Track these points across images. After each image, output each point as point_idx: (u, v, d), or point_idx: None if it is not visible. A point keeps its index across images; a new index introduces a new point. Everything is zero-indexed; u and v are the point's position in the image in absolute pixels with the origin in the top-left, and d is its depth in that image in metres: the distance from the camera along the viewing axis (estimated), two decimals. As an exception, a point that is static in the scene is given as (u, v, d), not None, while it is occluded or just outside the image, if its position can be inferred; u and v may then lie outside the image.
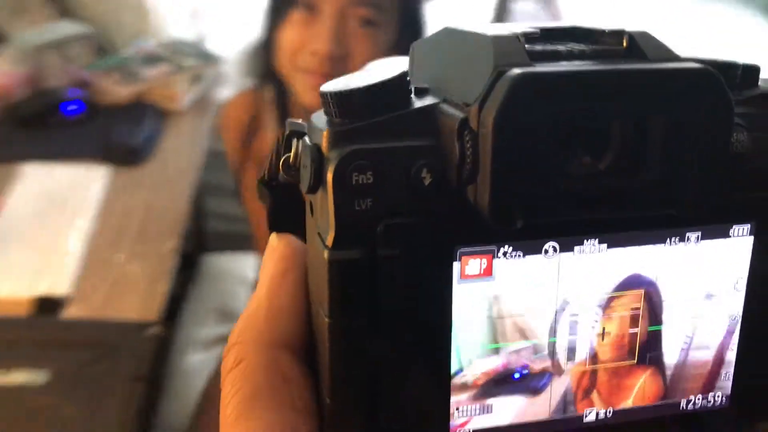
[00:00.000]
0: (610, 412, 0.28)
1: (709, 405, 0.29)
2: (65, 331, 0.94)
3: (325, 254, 0.24)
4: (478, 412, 0.26)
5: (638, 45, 0.25)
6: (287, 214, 0.30)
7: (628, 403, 0.28)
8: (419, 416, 0.26)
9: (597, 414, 0.28)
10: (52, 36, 1.55)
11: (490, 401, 0.27)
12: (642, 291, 0.27)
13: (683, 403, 0.28)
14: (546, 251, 0.25)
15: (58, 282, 1.02)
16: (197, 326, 1.45)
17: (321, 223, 0.25)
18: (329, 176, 0.23)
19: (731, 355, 0.28)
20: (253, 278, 1.38)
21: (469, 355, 0.26)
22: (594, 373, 0.27)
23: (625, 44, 0.25)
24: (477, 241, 0.25)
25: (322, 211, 0.24)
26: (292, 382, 0.26)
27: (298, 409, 0.25)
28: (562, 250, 0.26)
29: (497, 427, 0.27)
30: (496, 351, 0.26)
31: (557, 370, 0.27)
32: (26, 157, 1.30)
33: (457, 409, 0.26)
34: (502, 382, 0.27)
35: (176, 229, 1.17)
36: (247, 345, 0.26)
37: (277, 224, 0.30)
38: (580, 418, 0.27)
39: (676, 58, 0.25)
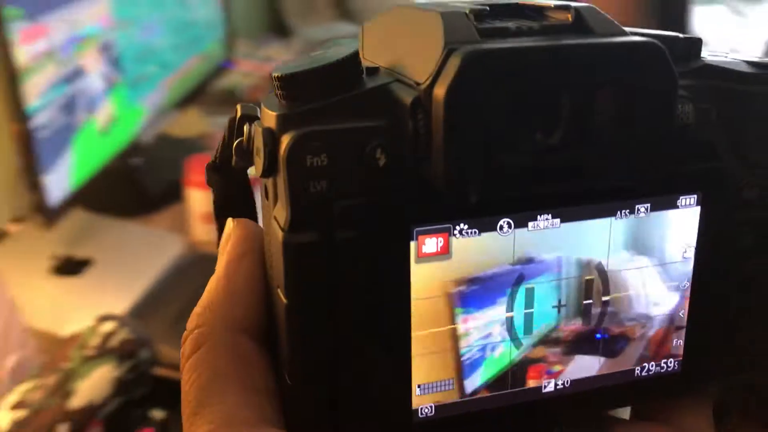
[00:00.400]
0: (567, 383, 0.28)
1: (662, 371, 0.29)
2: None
3: (281, 237, 0.24)
4: (439, 388, 0.27)
5: (585, 19, 0.25)
6: (236, 200, 0.30)
7: (585, 372, 0.28)
8: (380, 396, 0.26)
9: (555, 384, 0.28)
10: (330, 34, 1.75)
11: (571, 357, 0.28)
12: (594, 263, 0.27)
13: (637, 369, 0.29)
14: (501, 227, 0.26)
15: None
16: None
17: (276, 206, 0.25)
18: (282, 159, 0.23)
19: (681, 322, 0.29)
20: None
21: (566, 312, 0.27)
22: (552, 344, 0.28)
23: (571, 19, 0.25)
24: (433, 220, 0.25)
25: (277, 194, 0.24)
26: (251, 365, 0.26)
27: (258, 391, 0.25)
28: (516, 226, 0.26)
29: (457, 402, 0.27)
30: (585, 312, 0.28)
31: (516, 343, 0.27)
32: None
33: (419, 386, 0.26)
34: (588, 341, 0.28)
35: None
36: (206, 329, 0.26)
37: (225, 210, 0.30)
38: (539, 389, 0.28)
39: (622, 32, 0.25)
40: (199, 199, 1.15)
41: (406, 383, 0.26)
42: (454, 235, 0.25)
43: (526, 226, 0.26)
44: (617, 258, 0.28)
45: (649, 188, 0.27)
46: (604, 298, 0.28)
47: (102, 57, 1.13)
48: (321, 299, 0.24)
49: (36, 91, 0.97)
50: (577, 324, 0.28)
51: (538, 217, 0.26)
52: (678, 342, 0.29)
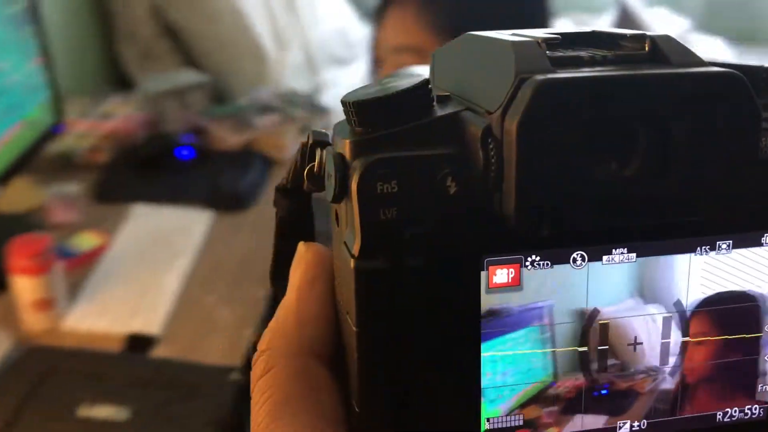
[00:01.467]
0: (644, 424, 0.27)
1: (746, 417, 0.28)
2: (150, 370, 0.96)
3: (352, 263, 0.24)
4: (509, 423, 0.26)
5: (661, 49, 0.25)
6: (299, 224, 0.30)
7: (663, 415, 0.27)
8: (449, 427, 0.25)
9: (631, 426, 0.27)
10: (174, 83, 1.64)
11: (571, 416, 0.26)
12: (673, 300, 0.26)
13: (719, 414, 0.28)
14: (574, 260, 0.25)
15: (150, 320, 1.06)
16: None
17: (347, 232, 0.25)
18: (354, 185, 0.23)
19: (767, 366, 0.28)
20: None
21: (564, 367, 0.26)
22: (627, 383, 0.27)
23: (647, 48, 0.25)
24: (504, 250, 0.24)
25: (348, 220, 0.24)
26: (321, 390, 0.26)
27: (326, 417, 0.25)
28: (590, 259, 0.25)
29: None
30: (586, 365, 0.26)
31: (590, 380, 0.26)
32: (138, 198, 1.37)
33: (488, 420, 0.26)
34: (590, 398, 0.26)
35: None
36: (277, 352, 0.26)
37: (287, 233, 0.30)
38: (614, 429, 0.27)
39: (701, 63, 0.24)
40: (28, 287, 1.01)
41: (474, 416, 0.26)
42: (526, 266, 0.25)
43: (601, 259, 0.25)
44: (698, 296, 0.26)
45: (730, 224, 0.26)
46: (683, 339, 0.27)
47: None
48: (391, 327, 0.24)
49: None
50: (653, 363, 0.27)
51: (613, 251, 0.25)
52: (765, 388, 0.28)
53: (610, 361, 0.26)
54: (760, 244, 0.26)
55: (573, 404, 0.26)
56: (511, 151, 0.23)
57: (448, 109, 0.25)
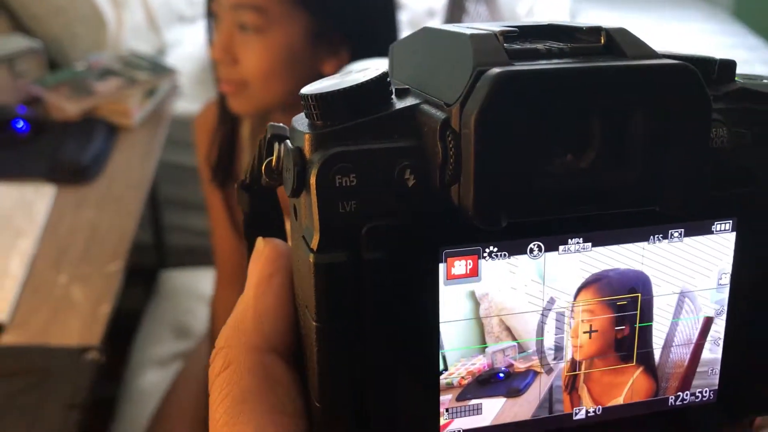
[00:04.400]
0: (599, 410, 0.28)
1: (697, 400, 0.29)
2: (-3, 359, 0.91)
3: (311, 257, 0.24)
4: (465, 412, 0.27)
5: (616, 42, 0.25)
6: (265, 219, 0.30)
7: (617, 400, 0.28)
8: (409, 418, 0.26)
9: (587, 412, 0.28)
10: (1, 51, 1.52)
11: (475, 402, 0.27)
12: (627, 288, 0.27)
13: (671, 399, 0.29)
14: (531, 250, 0.26)
15: (-4, 307, 1.00)
16: (154, 344, 1.43)
17: (305, 226, 0.25)
18: (312, 179, 0.23)
19: (717, 351, 0.29)
20: (209, 294, 1.36)
21: (455, 355, 0.26)
22: (582, 371, 0.27)
23: (602, 41, 0.25)
24: (462, 242, 0.25)
25: (306, 214, 0.24)
26: (280, 386, 0.26)
27: (287, 413, 0.25)
28: (546, 249, 0.26)
29: (484, 428, 0.27)
30: (482, 351, 0.26)
31: (545, 368, 0.27)
32: (-29, 177, 1.27)
33: (447, 410, 0.26)
34: (486, 382, 0.27)
35: (123, 249, 1.15)
36: (235, 349, 0.26)
37: (254, 229, 0.30)
38: (570, 416, 0.28)
39: (654, 55, 0.25)
40: None
41: (434, 405, 0.26)
42: (484, 257, 0.25)
43: (557, 249, 0.26)
44: (649, 284, 0.27)
45: (682, 213, 0.26)
46: (637, 325, 0.27)
47: None
48: (349, 320, 0.24)
49: None
50: (608, 350, 0.27)
51: (569, 240, 0.26)
52: (713, 371, 0.29)
53: (508, 345, 0.26)
54: (711, 232, 0.27)
55: (468, 390, 0.26)
56: (469, 144, 0.23)
57: (407, 102, 0.25)
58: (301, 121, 0.25)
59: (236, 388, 0.25)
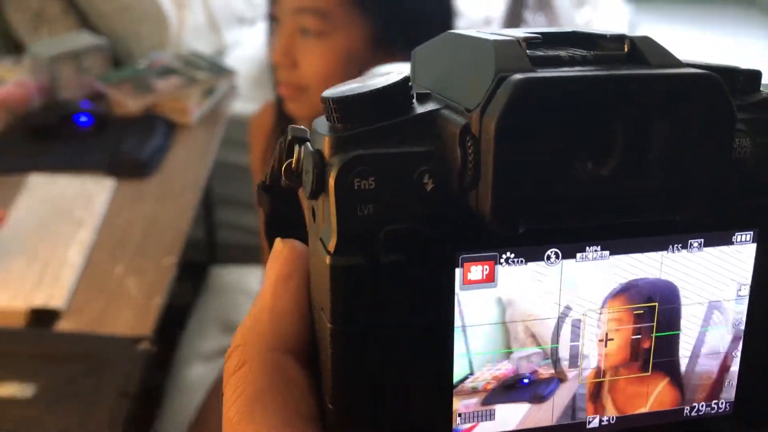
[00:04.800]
0: (613, 419, 0.28)
1: (713, 411, 0.28)
2: (55, 345, 0.94)
3: (327, 260, 0.24)
4: (482, 418, 0.26)
5: (640, 50, 0.25)
6: (285, 220, 0.30)
7: (642, 410, 0.28)
8: (422, 422, 0.26)
9: (600, 420, 0.28)
10: (68, 47, 1.57)
11: (496, 407, 0.26)
12: (645, 298, 0.27)
13: (687, 409, 0.28)
14: (548, 257, 0.26)
15: (54, 294, 1.03)
16: (201, 338, 1.46)
17: (323, 228, 0.25)
18: (331, 182, 0.23)
19: (735, 362, 0.28)
20: (257, 291, 1.38)
21: (481, 359, 0.26)
22: (600, 379, 0.27)
23: (626, 49, 0.25)
24: (479, 247, 0.25)
25: (324, 216, 0.24)
26: (294, 386, 0.26)
27: (300, 413, 0.25)
28: (564, 256, 0.26)
29: None
30: (508, 356, 0.26)
31: (569, 376, 0.27)
32: (35, 168, 1.32)
33: (460, 415, 0.26)
34: (511, 388, 0.26)
35: (177, 244, 1.18)
36: (250, 348, 0.26)
37: (274, 230, 0.30)
38: (583, 424, 0.27)
39: (678, 64, 0.25)
40: None
41: (447, 410, 0.26)
42: (500, 263, 0.25)
43: (574, 257, 0.26)
44: (667, 294, 0.27)
45: (702, 223, 0.26)
46: (654, 335, 0.27)
47: None
48: (365, 323, 0.24)
49: None
50: (624, 359, 0.27)
51: (587, 248, 0.26)
52: (731, 383, 0.28)
53: (533, 351, 0.26)
54: (731, 243, 0.27)
55: (493, 395, 0.26)
56: (488, 150, 0.23)
57: (428, 107, 0.25)
58: (321, 124, 0.25)
59: (250, 387, 0.25)
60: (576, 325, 0.26)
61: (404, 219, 0.24)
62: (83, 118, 1.43)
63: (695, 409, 0.28)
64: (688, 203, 0.25)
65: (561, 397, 0.27)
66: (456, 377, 0.26)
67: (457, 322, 0.25)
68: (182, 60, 1.65)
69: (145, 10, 1.86)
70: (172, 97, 1.52)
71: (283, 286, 0.27)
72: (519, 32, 0.25)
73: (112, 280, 1.08)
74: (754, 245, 0.27)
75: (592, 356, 0.27)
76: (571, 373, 0.27)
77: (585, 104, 0.23)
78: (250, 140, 1.28)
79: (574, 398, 0.27)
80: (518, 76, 0.23)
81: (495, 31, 0.26)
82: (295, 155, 0.27)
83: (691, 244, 0.27)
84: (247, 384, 0.26)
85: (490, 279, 0.25)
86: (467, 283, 0.25)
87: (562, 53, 0.25)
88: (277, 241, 0.28)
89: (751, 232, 0.27)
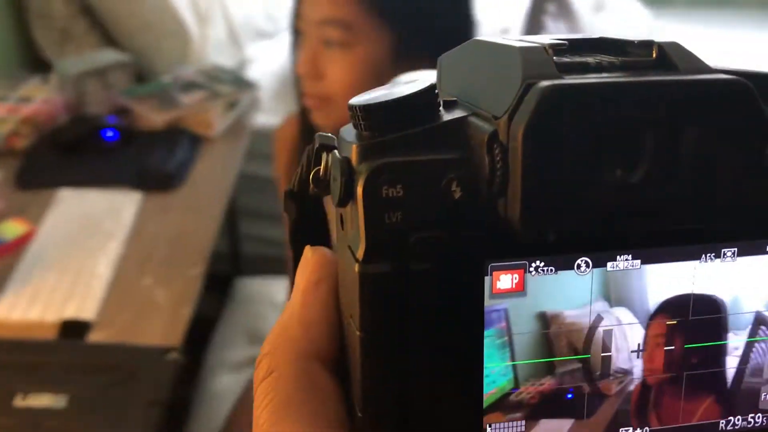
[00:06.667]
0: (647, 431, 0.27)
1: (749, 426, 0.28)
2: (86, 356, 0.96)
3: (356, 267, 0.24)
4: (510, 429, 0.26)
5: (668, 56, 0.25)
6: (311, 228, 0.30)
7: (669, 421, 0.27)
8: (451, 431, 0.26)
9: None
10: (93, 64, 1.60)
11: (543, 422, 0.26)
12: (679, 309, 0.26)
13: (722, 423, 0.28)
14: (578, 266, 0.25)
15: (85, 306, 1.04)
16: (228, 349, 1.47)
17: (351, 236, 0.25)
18: (359, 189, 0.23)
19: None
20: (283, 301, 1.39)
21: (525, 374, 0.26)
22: (652, 395, 0.27)
23: (654, 55, 0.25)
24: (508, 256, 0.24)
25: (353, 224, 0.24)
26: (323, 394, 0.26)
27: (330, 421, 0.25)
28: (594, 265, 0.25)
29: None
30: (551, 371, 0.26)
31: (615, 391, 0.26)
32: (63, 183, 1.34)
33: (490, 425, 0.26)
34: (554, 403, 0.26)
35: (204, 254, 1.19)
36: (280, 355, 0.26)
37: (299, 237, 0.30)
38: None
39: (708, 69, 0.24)
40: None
41: (477, 420, 0.26)
42: (530, 272, 0.25)
43: (605, 266, 0.25)
44: (702, 306, 0.26)
45: (735, 232, 0.26)
46: (687, 346, 0.27)
47: None
48: (394, 331, 0.24)
49: None
50: (658, 371, 0.27)
51: (618, 257, 0.25)
52: (766, 397, 0.28)
53: (576, 365, 0.26)
54: (765, 252, 0.26)
55: (537, 410, 0.26)
56: (516, 157, 0.23)
57: (455, 114, 0.25)
58: (348, 132, 0.25)
59: (280, 394, 0.25)
60: (607, 337, 0.26)
61: (432, 226, 0.24)
62: (110, 133, 1.46)
63: (731, 423, 0.28)
64: (718, 211, 0.24)
65: (605, 412, 0.27)
66: (501, 391, 0.26)
67: (502, 334, 0.25)
68: (205, 74, 1.68)
69: (168, 26, 1.89)
70: (195, 111, 1.54)
71: (313, 294, 0.27)
72: (545, 39, 0.25)
73: (141, 291, 1.10)
74: None
75: (636, 371, 0.26)
76: (621, 389, 0.26)
77: (613, 111, 0.23)
78: (274, 152, 1.29)
79: (617, 414, 0.27)
80: (546, 82, 0.22)
81: (520, 37, 0.26)
82: (323, 163, 0.27)
83: (724, 254, 0.26)
84: (276, 391, 0.26)
85: (519, 288, 0.25)
86: (496, 292, 0.25)
87: (590, 59, 0.25)
88: (307, 248, 0.28)
89: None
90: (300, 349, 0.26)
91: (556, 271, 0.25)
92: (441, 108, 0.25)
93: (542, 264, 0.25)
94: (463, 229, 0.24)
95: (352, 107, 0.24)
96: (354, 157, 0.24)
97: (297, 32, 1.09)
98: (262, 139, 1.60)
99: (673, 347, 0.27)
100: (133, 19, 1.85)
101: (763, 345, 0.27)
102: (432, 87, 0.25)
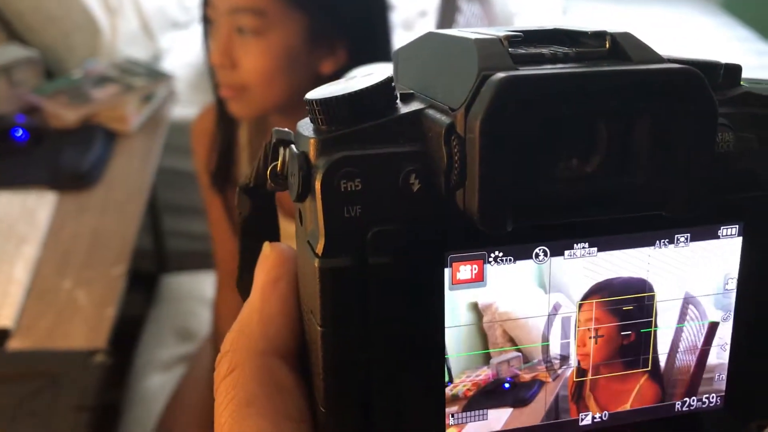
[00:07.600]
0: (605, 416, 0.28)
1: (704, 406, 0.29)
2: (5, 364, 0.92)
3: (316, 262, 0.24)
4: (473, 418, 0.27)
5: (621, 46, 0.25)
6: (262, 223, 0.30)
7: (624, 406, 0.28)
8: (414, 424, 0.26)
9: (593, 418, 0.28)
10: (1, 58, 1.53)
11: (482, 412, 0.27)
12: (633, 294, 0.27)
13: (678, 404, 0.28)
14: (536, 255, 0.26)
15: (2, 313, 1.00)
16: (157, 348, 1.44)
17: (310, 231, 0.25)
18: (317, 184, 0.23)
19: (724, 356, 0.28)
20: (211, 297, 1.37)
21: (459, 367, 0.26)
22: (588, 377, 0.27)
23: (607, 45, 0.25)
24: (467, 247, 0.25)
25: (311, 219, 0.24)
26: (285, 390, 0.26)
27: (292, 417, 0.25)
28: (552, 254, 0.26)
29: None
30: (486, 362, 0.26)
31: (551, 377, 0.27)
32: (-28, 186, 1.28)
33: (452, 415, 0.26)
34: (492, 393, 0.26)
35: (125, 253, 1.16)
36: (240, 353, 0.26)
37: (251, 232, 0.30)
38: (576, 422, 0.27)
39: (659, 59, 0.25)
40: None
41: (440, 411, 0.26)
42: (489, 262, 0.25)
43: (562, 254, 0.26)
44: (656, 289, 0.27)
45: (688, 218, 0.26)
46: (643, 330, 0.27)
47: None
48: (355, 325, 0.24)
49: None
50: (614, 356, 0.27)
51: (575, 245, 0.26)
52: (720, 377, 0.29)
53: (513, 355, 0.26)
54: (717, 237, 0.27)
55: (474, 401, 0.26)
56: (474, 148, 0.23)
57: (412, 107, 0.25)
58: (306, 126, 0.25)
59: (241, 392, 0.25)
60: (566, 325, 0.26)
61: (391, 220, 0.24)
62: (19, 133, 1.40)
63: (686, 404, 0.28)
64: (672, 198, 0.25)
65: (544, 399, 0.27)
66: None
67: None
68: (118, 67, 1.63)
69: (75, 20, 1.82)
70: (109, 106, 1.49)
71: (272, 290, 0.27)
72: (500, 30, 0.25)
73: (61, 294, 1.06)
74: (740, 239, 0.27)
75: (572, 356, 0.27)
76: (552, 374, 0.27)
77: (568, 101, 0.23)
78: (193, 145, 1.26)
79: (557, 400, 0.27)
80: (501, 74, 0.23)
81: (476, 29, 0.26)
82: (280, 158, 0.26)
83: (677, 239, 0.27)
84: (237, 389, 0.25)
85: (479, 278, 0.25)
86: (456, 283, 0.25)
87: (544, 51, 0.25)
88: (266, 245, 0.28)
89: (737, 226, 0.27)
90: (260, 346, 0.26)
91: (514, 260, 0.25)
92: (398, 101, 0.25)
93: (501, 254, 0.25)
94: (422, 222, 0.24)
95: (309, 101, 0.24)
96: (312, 152, 0.24)
97: (208, 21, 1.07)
98: (181, 132, 1.57)
99: (602, 331, 0.27)
100: (38, 13, 1.78)
101: (694, 325, 0.28)
102: (389, 80, 0.25)
